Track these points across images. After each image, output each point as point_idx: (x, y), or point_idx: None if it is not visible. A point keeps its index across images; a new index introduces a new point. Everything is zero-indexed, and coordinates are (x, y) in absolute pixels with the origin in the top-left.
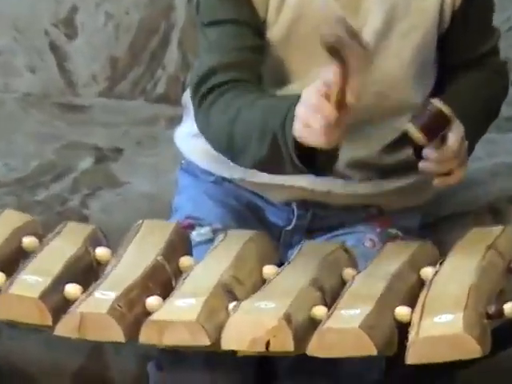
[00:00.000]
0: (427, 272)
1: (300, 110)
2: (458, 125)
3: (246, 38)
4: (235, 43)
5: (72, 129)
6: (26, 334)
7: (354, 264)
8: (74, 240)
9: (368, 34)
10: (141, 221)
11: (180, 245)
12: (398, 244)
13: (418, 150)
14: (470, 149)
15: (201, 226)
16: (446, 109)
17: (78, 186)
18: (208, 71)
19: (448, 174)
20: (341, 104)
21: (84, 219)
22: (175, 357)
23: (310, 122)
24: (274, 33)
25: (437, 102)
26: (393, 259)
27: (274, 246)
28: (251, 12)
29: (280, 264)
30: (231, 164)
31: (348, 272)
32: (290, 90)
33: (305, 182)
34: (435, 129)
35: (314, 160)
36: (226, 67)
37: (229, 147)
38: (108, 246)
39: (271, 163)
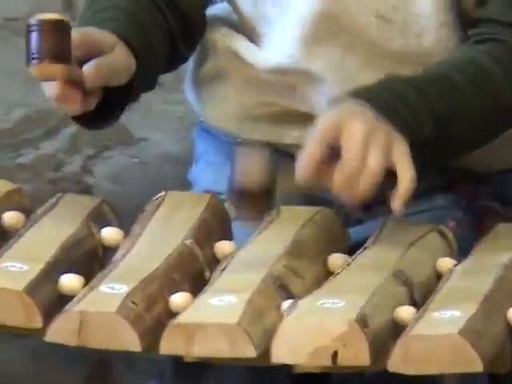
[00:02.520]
0: None
1: None
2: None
3: None
4: None
5: None
6: (6, 343)
7: (452, 252)
8: (73, 217)
9: None
10: (163, 192)
11: (216, 225)
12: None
13: None
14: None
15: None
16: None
17: (78, 145)
18: None
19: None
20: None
21: (86, 190)
22: (188, 373)
23: None
24: None
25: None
26: (504, 247)
27: (342, 228)
28: None
29: (350, 252)
30: (254, 123)
31: (444, 262)
32: None
33: None
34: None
35: None
36: None
37: None
38: (119, 226)
39: None
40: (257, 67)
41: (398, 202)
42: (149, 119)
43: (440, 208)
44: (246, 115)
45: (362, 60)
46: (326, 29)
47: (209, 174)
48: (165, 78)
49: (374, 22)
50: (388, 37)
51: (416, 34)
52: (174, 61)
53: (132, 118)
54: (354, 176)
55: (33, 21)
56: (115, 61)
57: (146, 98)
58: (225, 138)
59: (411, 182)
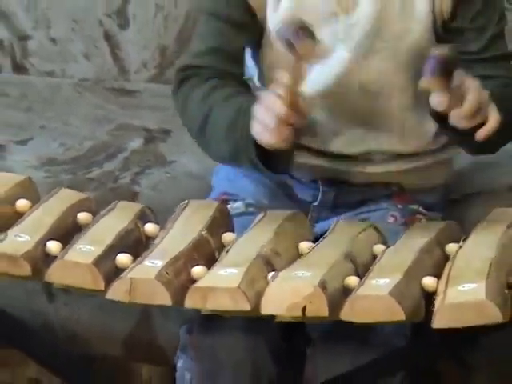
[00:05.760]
0: (452, 248)
1: (255, 109)
2: (472, 79)
3: (235, 34)
4: (221, 39)
5: (123, 112)
6: (81, 300)
7: (383, 241)
8: (125, 216)
9: (359, 32)
10: (186, 201)
11: (223, 222)
12: (425, 223)
13: (440, 117)
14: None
15: (234, 201)
16: (449, 51)
17: (129, 165)
18: (197, 55)
19: (483, 123)
20: (294, 104)
21: (134, 195)
22: (207, 322)
23: (263, 119)
24: (272, 25)
25: (438, 49)
26: (420, 236)
27: (308, 225)
28: (246, 10)
29: (314, 242)
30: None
31: (378, 247)
32: None
33: (325, 163)
34: (447, 73)
35: (273, 161)
36: (215, 54)
37: (199, 138)
38: (156, 223)
39: (233, 161)
40: None
41: (484, 133)
42: (178, 147)
43: (383, 209)
44: None
45: (347, 116)
46: (322, 93)
47: (226, 182)
48: None
49: (358, 91)
50: (365, 100)
51: (385, 99)
52: None
53: (166, 146)
54: (479, 115)
55: None
56: None
57: (178, 132)
58: None
59: (497, 123)
